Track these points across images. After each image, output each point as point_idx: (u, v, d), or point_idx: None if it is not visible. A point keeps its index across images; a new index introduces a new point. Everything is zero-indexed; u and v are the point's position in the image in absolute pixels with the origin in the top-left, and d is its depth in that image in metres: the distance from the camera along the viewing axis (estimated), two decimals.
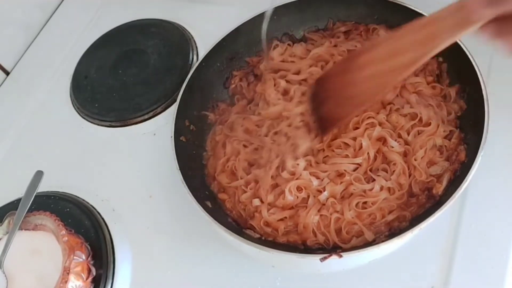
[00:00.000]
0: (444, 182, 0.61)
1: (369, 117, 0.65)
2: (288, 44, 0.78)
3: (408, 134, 0.64)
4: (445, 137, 0.64)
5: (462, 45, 0.64)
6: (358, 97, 0.58)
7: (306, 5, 0.78)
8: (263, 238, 0.63)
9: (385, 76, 0.53)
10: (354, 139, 0.64)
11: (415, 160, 0.62)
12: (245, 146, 0.70)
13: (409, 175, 0.62)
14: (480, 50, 0.61)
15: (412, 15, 0.70)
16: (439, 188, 0.60)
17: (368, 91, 0.56)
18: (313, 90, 0.66)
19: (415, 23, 0.50)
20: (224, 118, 0.76)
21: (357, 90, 0.57)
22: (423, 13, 0.69)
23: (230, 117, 0.75)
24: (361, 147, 0.64)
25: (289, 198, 0.63)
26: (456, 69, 0.68)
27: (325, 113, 0.63)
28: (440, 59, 0.70)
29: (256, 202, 0.65)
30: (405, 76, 0.54)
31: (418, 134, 0.64)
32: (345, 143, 0.65)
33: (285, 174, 0.64)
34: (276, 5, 0.77)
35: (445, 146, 0.63)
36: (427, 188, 0.62)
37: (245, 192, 0.67)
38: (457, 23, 0.45)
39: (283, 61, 0.76)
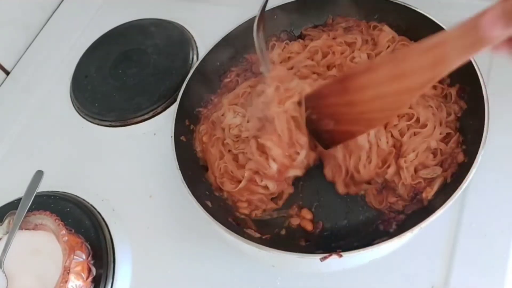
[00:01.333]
0: (435, 187, 0.61)
1: None
2: (286, 43, 0.78)
3: (403, 135, 0.64)
4: (442, 140, 0.64)
5: None
6: (368, 116, 0.56)
7: (306, 5, 0.78)
8: (263, 237, 0.63)
9: (396, 96, 0.51)
10: None
11: (405, 162, 0.62)
12: (229, 150, 0.71)
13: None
14: None
15: (412, 15, 0.71)
16: (429, 193, 0.60)
17: (379, 111, 0.54)
18: (306, 105, 0.63)
19: (422, 45, 0.47)
20: (209, 115, 0.76)
21: (363, 109, 0.55)
22: (423, 13, 0.69)
23: (212, 116, 0.75)
24: None
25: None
26: (456, 69, 0.67)
27: (326, 130, 0.61)
28: None
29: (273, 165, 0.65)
30: (414, 99, 0.53)
31: (414, 135, 0.64)
32: None
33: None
34: (276, 5, 0.77)
35: (440, 149, 0.63)
36: (415, 192, 0.62)
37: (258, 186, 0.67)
38: (469, 44, 0.42)
39: (282, 61, 0.77)
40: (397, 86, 0.50)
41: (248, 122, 0.70)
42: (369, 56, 0.72)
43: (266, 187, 0.66)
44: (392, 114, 0.57)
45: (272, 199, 0.68)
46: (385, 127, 0.65)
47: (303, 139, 0.63)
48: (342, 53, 0.73)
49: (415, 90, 0.49)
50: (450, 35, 0.44)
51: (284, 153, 0.64)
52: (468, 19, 0.42)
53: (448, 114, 0.66)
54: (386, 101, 0.52)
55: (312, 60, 0.74)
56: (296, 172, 0.66)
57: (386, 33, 0.73)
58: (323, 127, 0.61)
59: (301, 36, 0.80)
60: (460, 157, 0.61)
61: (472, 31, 0.41)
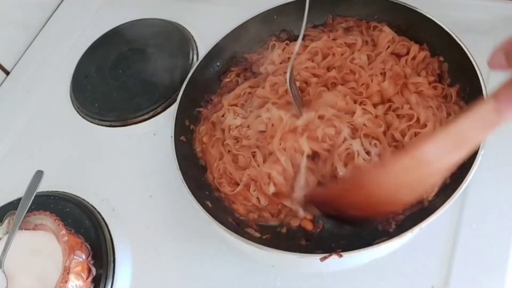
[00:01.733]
0: (435, 188, 0.60)
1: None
2: (286, 44, 0.78)
3: (404, 136, 0.64)
4: None
5: (462, 45, 0.64)
6: (388, 203, 0.52)
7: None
8: (263, 237, 0.63)
9: (417, 183, 0.49)
10: None
11: None
12: (228, 151, 0.71)
13: None
14: (481, 50, 0.61)
15: (412, 15, 0.71)
16: (430, 194, 0.60)
17: (398, 199, 0.51)
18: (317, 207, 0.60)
19: (441, 134, 0.46)
20: (209, 115, 0.76)
21: (382, 197, 0.51)
22: (423, 13, 0.69)
23: (212, 116, 0.75)
24: None
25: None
26: (457, 69, 0.68)
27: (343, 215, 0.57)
28: (441, 58, 0.70)
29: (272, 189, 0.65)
30: (439, 179, 0.51)
31: (415, 135, 0.64)
32: None
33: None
34: (276, 5, 0.77)
35: None
36: None
37: (252, 195, 0.67)
38: (488, 126, 0.44)
39: (282, 62, 0.77)
40: (420, 172, 0.48)
41: (248, 127, 0.70)
42: (369, 57, 0.72)
43: (258, 199, 0.66)
44: (414, 196, 0.54)
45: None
46: (388, 129, 0.65)
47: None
48: (342, 55, 0.73)
49: (437, 175, 0.49)
50: (469, 119, 0.44)
51: (287, 184, 0.64)
52: (482, 101, 0.43)
53: (448, 114, 0.66)
54: (409, 189, 0.50)
55: (312, 61, 0.74)
56: (292, 205, 0.65)
57: (386, 34, 0.73)
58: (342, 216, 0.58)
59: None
60: None
61: (490, 114, 0.43)
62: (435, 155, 0.46)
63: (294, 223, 0.65)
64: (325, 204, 0.57)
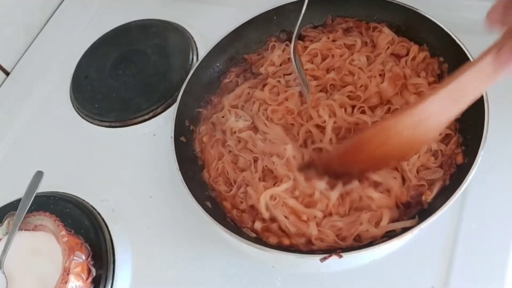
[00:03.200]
0: (435, 190, 0.60)
1: None
2: (286, 44, 0.78)
3: None
4: (442, 141, 0.64)
5: (462, 46, 0.64)
6: (390, 157, 0.56)
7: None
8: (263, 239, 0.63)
9: (418, 137, 0.52)
10: None
11: (407, 165, 0.62)
12: (230, 151, 0.71)
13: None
14: (481, 50, 0.60)
15: (412, 15, 0.71)
16: (429, 196, 0.60)
17: (401, 152, 0.55)
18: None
19: (443, 85, 0.48)
20: (209, 115, 0.76)
21: (385, 151, 0.55)
22: (423, 13, 0.69)
23: (212, 117, 0.75)
24: None
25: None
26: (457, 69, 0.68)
27: (348, 171, 0.61)
28: (441, 59, 0.70)
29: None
30: (438, 132, 0.53)
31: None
32: None
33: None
34: (276, 6, 0.77)
35: (441, 150, 0.63)
36: (416, 194, 0.61)
37: (242, 203, 0.66)
38: (486, 78, 0.45)
39: (282, 63, 0.77)
40: (421, 128, 0.51)
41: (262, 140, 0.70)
42: (368, 58, 0.72)
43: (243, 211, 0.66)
44: (414, 150, 0.58)
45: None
46: None
47: None
48: (341, 56, 0.73)
49: (439, 127, 0.52)
50: (468, 74, 0.46)
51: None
52: (481, 56, 0.45)
53: None
54: (412, 142, 0.53)
55: (312, 63, 0.74)
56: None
57: (386, 35, 0.73)
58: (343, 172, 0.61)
59: (301, 37, 0.80)
60: (460, 158, 0.61)
61: (489, 67, 0.44)
62: (436, 112, 0.48)
63: (273, 240, 0.63)
64: (328, 167, 0.60)
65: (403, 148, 0.55)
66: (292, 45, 0.63)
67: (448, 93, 0.47)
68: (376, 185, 0.62)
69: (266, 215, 0.63)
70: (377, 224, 0.60)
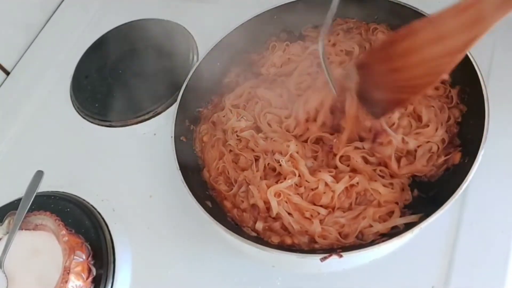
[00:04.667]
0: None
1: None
2: (286, 45, 0.78)
3: (406, 135, 0.65)
4: (443, 142, 0.64)
5: None
6: (413, 83, 0.55)
7: (305, 5, 0.78)
8: (265, 239, 0.63)
9: (438, 60, 0.51)
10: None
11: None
12: (230, 150, 0.71)
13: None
14: (481, 50, 0.61)
15: (412, 15, 0.71)
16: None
17: (424, 76, 0.54)
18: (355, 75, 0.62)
19: (455, 7, 0.47)
20: (209, 115, 0.76)
21: (408, 75, 0.55)
22: (423, 13, 0.69)
23: (212, 116, 0.75)
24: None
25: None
26: (457, 69, 0.67)
27: (377, 99, 0.61)
28: None
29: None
30: (458, 60, 0.50)
31: (416, 135, 0.65)
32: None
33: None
34: (276, 5, 0.77)
35: (440, 151, 0.64)
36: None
37: (243, 202, 0.67)
38: (502, 2, 0.43)
39: (283, 64, 0.77)
40: (438, 49, 0.50)
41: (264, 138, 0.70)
42: None
43: (244, 210, 0.66)
44: (436, 78, 0.55)
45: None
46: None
47: None
48: (341, 64, 0.73)
49: (457, 52, 0.49)
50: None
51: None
52: None
53: (448, 118, 0.66)
54: (429, 65, 0.52)
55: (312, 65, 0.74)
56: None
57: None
58: (372, 97, 0.61)
59: (301, 37, 0.80)
60: (457, 158, 0.61)
61: None
62: (455, 28, 0.47)
63: (275, 239, 0.63)
64: (362, 77, 0.60)
65: (427, 70, 0.53)
66: (319, 47, 0.62)
67: (463, 11, 0.46)
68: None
69: (276, 210, 0.63)
70: (381, 219, 0.60)
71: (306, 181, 0.64)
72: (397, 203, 0.61)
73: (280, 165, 0.65)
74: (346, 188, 0.62)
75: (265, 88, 0.74)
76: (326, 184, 0.63)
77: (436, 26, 0.49)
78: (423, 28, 0.51)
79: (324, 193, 0.62)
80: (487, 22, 0.45)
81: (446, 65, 0.51)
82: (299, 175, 0.64)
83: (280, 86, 0.74)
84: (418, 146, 0.64)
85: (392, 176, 0.64)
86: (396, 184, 0.62)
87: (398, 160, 0.64)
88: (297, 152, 0.65)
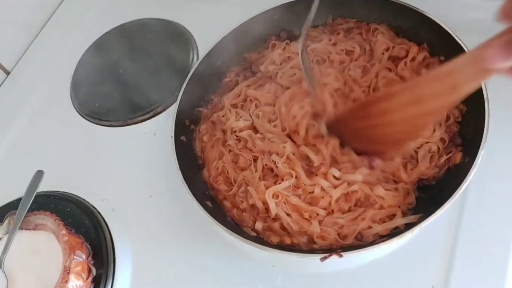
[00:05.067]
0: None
1: None
2: (286, 43, 0.78)
3: None
4: (443, 142, 0.64)
5: (463, 46, 0.64)
6: (395, 137, 0.57)
7: (305, 4, 0.78)
8: (264, 239, 0.63)
9: (418, 119, 0.52)
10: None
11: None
12: (230, 150, 0.71)
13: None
14: None
15: (412, 15, 0.71)
16: None
17: (404, 132, 0.55)
18: (330, 130, 0.64)
19: (435, 72, 0.49)
20: (209, 114, 0.76)
21: (389, 130, 0.56)
22: (423, 13, 0.69)
23: (212, 116, 0.75)
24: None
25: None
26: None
27: (358, 146, 0.62)
28: (442, 58, 0.70)
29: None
30: (436, 120, 0.55)
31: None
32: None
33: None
34: (276, 5, 0.77)
35: (440, 151, 0.64)
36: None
37: (242, 202, 0.66)
38: (477, 72, 0.44)
39: (283, 62, 0.76)
40: (416, 110, 0.51)
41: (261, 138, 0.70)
42: (364, 68, 0.72)
43: (244, 210, 0.66)
44: (417, 134, 0.58)
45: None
46: None
47: None
48: (341, 63, 0.73)
49: (435, 113, 0.52)
50: (459, 65, 0.46)
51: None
52: (475, 48, 0.44)
53: (447, 118, 0.66)
54: (409, 123, 0.54)
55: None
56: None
57: (381, 43, 0.72)
58: (353, 147, 0.62)
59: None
60: (458, 158, 0.61)
61: (478, 61, 0.43)
62: (432, 93, 0.49)
63: (274, 239, 0.63)
64: (340, 132, 0.62)
65: (406, 128, 0.55)
66: (300, 44, 0.62)
67: (440, 78, 0.48)
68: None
69: (274, 211, 0.62)
70: (381, 220, 0.60)
71: (303, 183, 0.63)
72: (399, 206, 0.61)
73: (277, 166, 0.65)
74: (345, 194, 0.62)
75: (255, 87, 0.74)
76: (323, 189, 0.62)
77: (415, 90, 0.51)
78: (401, 91, 0.53)
79: (322, 197, 0.62)
80: (462, 90, 0.47)
81: (426, 123, 0.55)
82: (296, 177, 0.64)
83: (269, 82, 0.74)
84: (418, 148, 0.64)
85: (396, 181, 0.63)
86: (400, 188, 0.62)
87: (405, 166, 0.63)
88: (293, 154, 0.65)
